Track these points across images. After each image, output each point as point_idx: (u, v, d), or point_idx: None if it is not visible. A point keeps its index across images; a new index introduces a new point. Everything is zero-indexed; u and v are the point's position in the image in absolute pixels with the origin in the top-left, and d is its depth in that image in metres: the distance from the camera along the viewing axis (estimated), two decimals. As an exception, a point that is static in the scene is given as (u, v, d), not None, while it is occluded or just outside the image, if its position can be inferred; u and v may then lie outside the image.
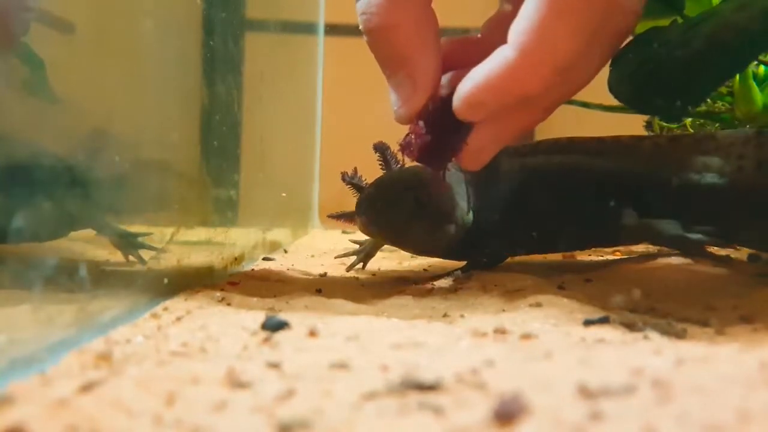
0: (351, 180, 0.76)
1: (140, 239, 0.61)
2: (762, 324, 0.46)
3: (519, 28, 0.48)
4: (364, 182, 0.76)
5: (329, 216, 0.80)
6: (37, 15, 0.53)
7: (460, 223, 0.70)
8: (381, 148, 0.74)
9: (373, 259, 0.95)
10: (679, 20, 0.67)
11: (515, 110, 0.52)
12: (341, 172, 0.77)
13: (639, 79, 0.64)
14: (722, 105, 0.85)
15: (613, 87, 0.66)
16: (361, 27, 0.54)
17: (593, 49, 0.51)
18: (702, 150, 0.75)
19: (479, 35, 0.59)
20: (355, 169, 0.77)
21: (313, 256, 1.01)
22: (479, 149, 0.55)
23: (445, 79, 0.55)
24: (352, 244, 0.89)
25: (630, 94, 0.66)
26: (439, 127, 0.54)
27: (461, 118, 0.53)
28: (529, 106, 0.53)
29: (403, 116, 0.55)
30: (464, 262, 0.76)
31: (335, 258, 0.89)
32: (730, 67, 0.62)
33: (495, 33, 0.53)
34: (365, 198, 0.70)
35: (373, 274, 0.80)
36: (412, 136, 0.55)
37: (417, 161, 0.56)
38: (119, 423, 0.27)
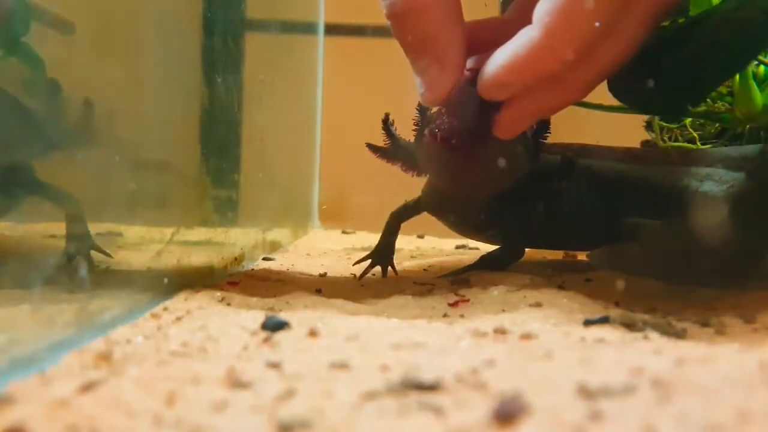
0: (388, 127, 0.76)
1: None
2: (761, 324, 0.46)
3: (543, 9, 0.48)
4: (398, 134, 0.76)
5: (371, 147, 0.78)
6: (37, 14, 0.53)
7: (531, 154, 0.70)
8: (422, 111, 0.74)
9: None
10: (680, 21, 0.67)
11: (547, 88, 0.53)
12: (385, 114, 0.76)
13: (639, 79, 0.64)
14: (722, 105, 0.85)
15: (613, 86, 0.66)
16: (385, 12, 0.54)
17: (625, 23, 0.51)
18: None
19: (503, 17, 0.59)
20: (392, 117, 0.77)
21: (308, 254, 1.01)
22: (511, 125, 0.55)
23: (469, 61, 0.55)
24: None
25: (630, 93, 0.66)
26: (465, 109, 0.55)
27: (486, 98, 0.53)
28: (561, 83, 0.53)
29: (429, 100, 0.55)
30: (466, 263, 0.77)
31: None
32: (729, 66, 0.62)
33: (519, 15, 0.53)
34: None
35: (373, 274, 0.80)
36: (445, 119, 0.55)
37: (452, 147, 0.56)
38: (119, 423, 0.27)
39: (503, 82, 0.51)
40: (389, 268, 0.81)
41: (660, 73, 0.63)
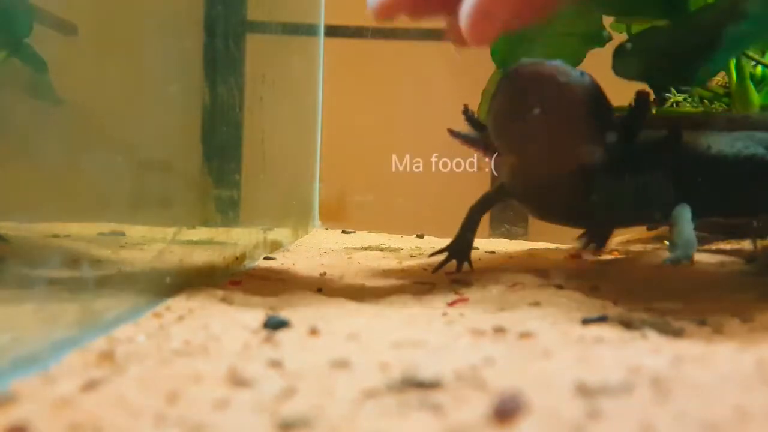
0: (469, 116, 0.76)
1: None
2: (759, 323, 0.46)
3: None
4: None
5: (453, 132, 0.77)
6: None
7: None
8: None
9: (372, 259, 0.96)
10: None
11: None
12: (464, 105, 0.77)
13: (649, 54, 0.63)
14: (719, 105, 0.85)
15: (620, 65, 0.65)
16: None
17: None
18: None
19: None
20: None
21: (308, 256, 1.01)
22: (478, 28, 0.52)
23: None
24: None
25: (639, 68, 0.65)
26: None
27: None
28: None
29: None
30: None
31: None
32: (746, 35, 0.60)
33: None
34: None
35: (373, 274, 0.80)
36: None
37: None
38: (121, 421, 0.28)
39: None
40: (464, 263, 0.78)
41: (672, 48, 0.62)
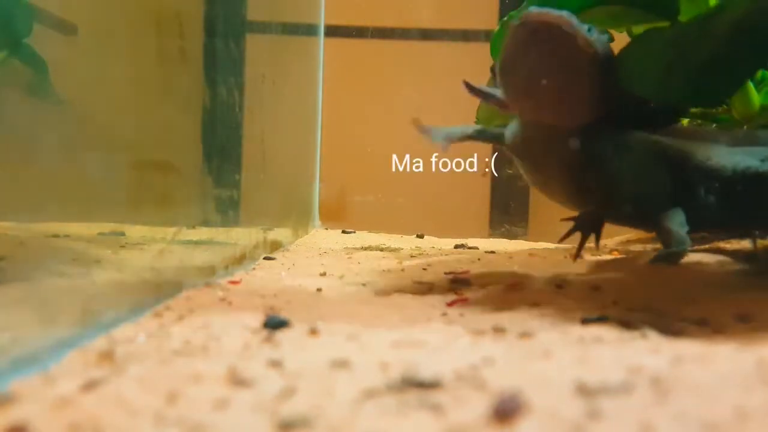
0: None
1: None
2: (759, 323, 0.46)
3: None
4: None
5: (467, 85, 0.77)
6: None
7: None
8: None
9: (372, 259, 0.96)
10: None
11: None
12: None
13: (665, 68, 0.62)
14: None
15: (631, 79, 0.64)
16: None
17: None
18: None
19: None
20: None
21: (308, 256, 1.01)
22: None
23: None
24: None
25: (655, 84, 0.64)
26: None
27: None
28: None
29: None
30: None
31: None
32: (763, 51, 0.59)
33: None
34: None
35: (373, 274, 0.80)
36: None
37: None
38: (121, 421, 0.28)
39: None
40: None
41: (690, 59, 0.61)
